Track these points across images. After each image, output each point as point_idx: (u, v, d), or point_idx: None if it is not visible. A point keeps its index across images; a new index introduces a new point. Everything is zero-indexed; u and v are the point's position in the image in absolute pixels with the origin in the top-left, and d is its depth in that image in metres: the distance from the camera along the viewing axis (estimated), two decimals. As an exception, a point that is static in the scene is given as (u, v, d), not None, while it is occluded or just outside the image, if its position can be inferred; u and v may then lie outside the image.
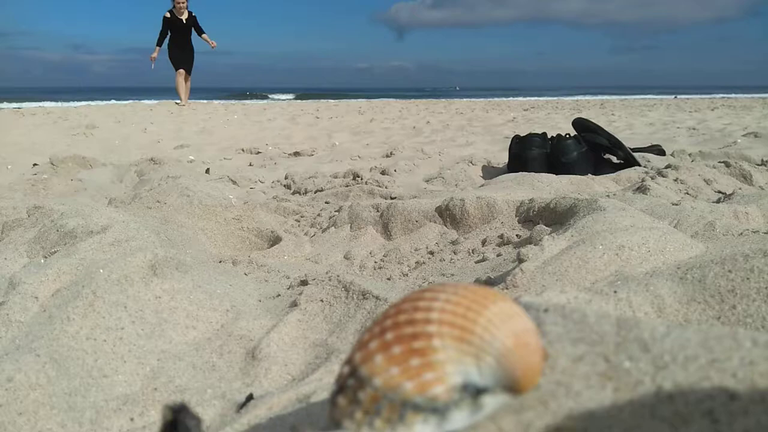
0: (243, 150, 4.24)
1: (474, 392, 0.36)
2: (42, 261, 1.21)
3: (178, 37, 9.98)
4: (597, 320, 0.40)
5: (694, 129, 5.60)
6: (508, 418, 0.36)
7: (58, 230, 1.35)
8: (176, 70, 9.99)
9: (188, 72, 10.14)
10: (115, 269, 0.84)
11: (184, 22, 9.91)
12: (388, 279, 1.40)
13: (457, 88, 72.75)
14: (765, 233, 1.15)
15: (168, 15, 9.88)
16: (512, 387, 0.36)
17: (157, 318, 0.78)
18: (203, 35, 10.12)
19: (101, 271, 0.83)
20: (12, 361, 0.64)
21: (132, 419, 0.66)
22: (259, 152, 4.17)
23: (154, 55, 9.97)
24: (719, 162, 2.33)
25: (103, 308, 0.76)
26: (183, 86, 10.08)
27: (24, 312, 0.78)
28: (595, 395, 0.35)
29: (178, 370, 0.73)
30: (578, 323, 0.40)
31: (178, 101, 9.95)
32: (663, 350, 0.36)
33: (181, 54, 10.03)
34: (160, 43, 9.97)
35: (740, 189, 1.81)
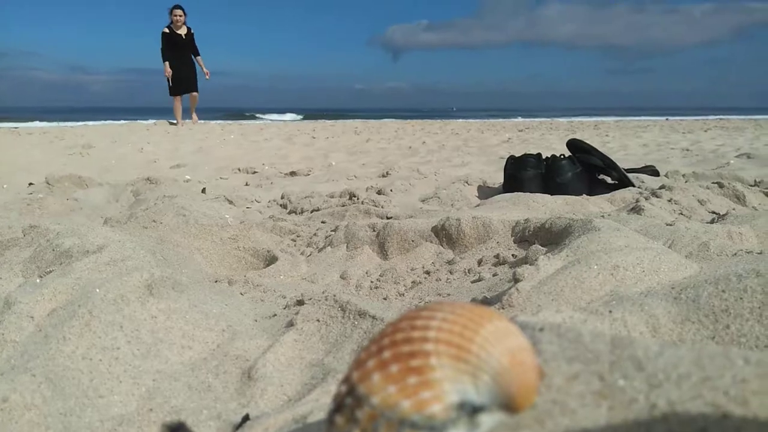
0: (239, 170, 4.25)
1: (471, 410, 0.36)
2: (37, 280, 1.20)
3: (179, 54, 9.57)
4: (592, 339, 0.41)
5: (687, 150, 5.65)
6: (504, 436, 0.36)
7: (53, 250, 1.35)
8: (174, 95, 9.56)
9: (194, 89, 9.70)
10: (112, 289, 0.84)
11: (183, 37, 9.52)
12: (385, 299, 1.40)
13: (454, 109, 73.36)
14: (759, 253, 1.16)
15: (167, 30, 9.46)
16: (508, 405, 0.37)
17: (153, 338, 0.78)
18: (198, 57, 9.74)
19: (97, 290, 0.83)
20: (7, 381, 0.64)
21: (127, 440, 0.66)
22: (255, 172, 4.18)
23: (168, 70, 9.48)
24: (713, 183, 2.35)
25: (99, 328, 0.76)
26: (180, 110, 9.67)
27: (19, 331, 0.78)
28: (590, 414, 0.35)
29: (174, 390, 0.73)
30: (573, 342, 0.41)
31: (173, 121, 9.56)
32: (657, 369, 0.37)
33: (183, 71, 9.57)
34: (166, 58, 9.55)
35: (734, 209, 1.83)
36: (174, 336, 0.80)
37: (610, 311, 0.65)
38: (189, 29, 9.64)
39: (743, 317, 0.63)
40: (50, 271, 1.29)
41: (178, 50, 9.57)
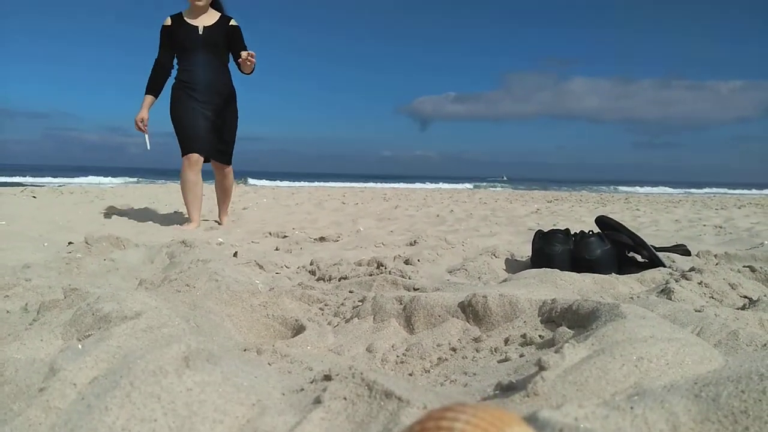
0: (270, 233, 4.34)
1: None
2: (77, 344, 1.25)
3: (194, 68, 4.57)
4: (608, 443, 0.43)
5: (720, 227, 5.58)
6: None
7: (93, 314, 1.41)
8: (184, 153, 4.61)
9: (221, 158, 4.80)
10: (151, 360, 0.88)
11: (200, 32, 4.52)
12: (410, 374, 1.41)
13: (504, 178, 74.17)
14: (788, 346, 1.15)
15: (168, 22, 4.60)
16: (527, 508, 0.39)
17: (188, 411, 0.81)
18: (242, 59, 4.46)
19: (138, 361, 0.87)
20: (52, 450, 0.68)
21: None
22: (285, 236, 4.27)
23: (141, 115, 4.61)
24: (744, 266, 2.32)
25: (138, 399, 0.80)
26: (195, 189, 4.62)
27: (62, 399, 0.82)
28: None
29: (205, 464, 0.75)
30: (591, 445, 0.43)
31: (185, 225, 4.64)
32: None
33: (196, 112, 4.56)
34: (152, 89, 4.66)
35: (766, 296, 1.81)
36: (207, 409, 0.83)
37: (632, 407, 0.66)
38: (224, 20, 4.63)
39: (762, 420, 0.64)
40: (89, 335, 1.34)
41: (191, 61, 4.59)
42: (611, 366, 0.84)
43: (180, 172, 4.71)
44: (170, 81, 4.80)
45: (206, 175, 4.96)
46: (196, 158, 4.65)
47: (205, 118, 4.66)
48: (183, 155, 4.68)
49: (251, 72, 4.68)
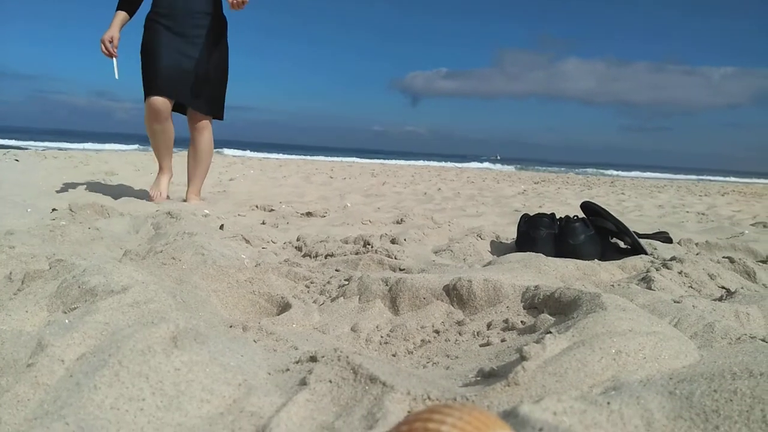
0: (257, 206, 4.32)
1: None
2: (63, 317, 1.26)
3: None
4: (586, 444, 0.45)
5: (703, 214, 5.66)
6: None
7: (79, 287, 1.41)
8: (145, 97, 3.77)
9: (196, 104, 3.89)
10: (140, 339, 0.89)
11: None
12: (393, 355, 1.43)
13: (498, 157, 73.81)
14: (762, 340, 1.18)
15: None
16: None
17: (175, 390, 0.83)
18: None
19: (127, 340, 0.88)
20: (43, 427, 0.69)
21: (145, 491, 0.70)
22: (272, 209, 4.25)
23: (110, 33, 3.75)
24: (723, 257, 2.37)
25: (127, 378, 0.81)
26: (161, 136, 3.98)
27: (51, 375, 0.83)
28: None
29: (191, 443, 0.77)
30: (569, 445, 0.45)
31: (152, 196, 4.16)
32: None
33: (171, 46, 3.74)
34: (125, 3, 3.86)
35: (743, 288, 1.85)
36: (194, 389, 0.84)
37: (608, 402, 0.69)
38: None
39: (732, 419, 0.66)
40: (75, 308, 1.34)
41: None
42: (590, 359, 0.86)
43: (146, 122, 3.87)
44: (145, 10, 3.90)
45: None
46: (161, 103, 3.79)
47: (180, 53, 3.77)
48: (144, 99, 3.81)
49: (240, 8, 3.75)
